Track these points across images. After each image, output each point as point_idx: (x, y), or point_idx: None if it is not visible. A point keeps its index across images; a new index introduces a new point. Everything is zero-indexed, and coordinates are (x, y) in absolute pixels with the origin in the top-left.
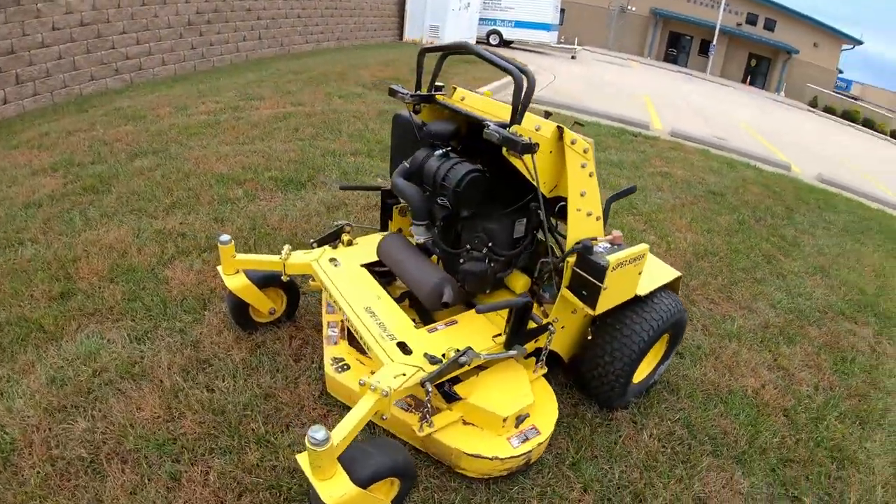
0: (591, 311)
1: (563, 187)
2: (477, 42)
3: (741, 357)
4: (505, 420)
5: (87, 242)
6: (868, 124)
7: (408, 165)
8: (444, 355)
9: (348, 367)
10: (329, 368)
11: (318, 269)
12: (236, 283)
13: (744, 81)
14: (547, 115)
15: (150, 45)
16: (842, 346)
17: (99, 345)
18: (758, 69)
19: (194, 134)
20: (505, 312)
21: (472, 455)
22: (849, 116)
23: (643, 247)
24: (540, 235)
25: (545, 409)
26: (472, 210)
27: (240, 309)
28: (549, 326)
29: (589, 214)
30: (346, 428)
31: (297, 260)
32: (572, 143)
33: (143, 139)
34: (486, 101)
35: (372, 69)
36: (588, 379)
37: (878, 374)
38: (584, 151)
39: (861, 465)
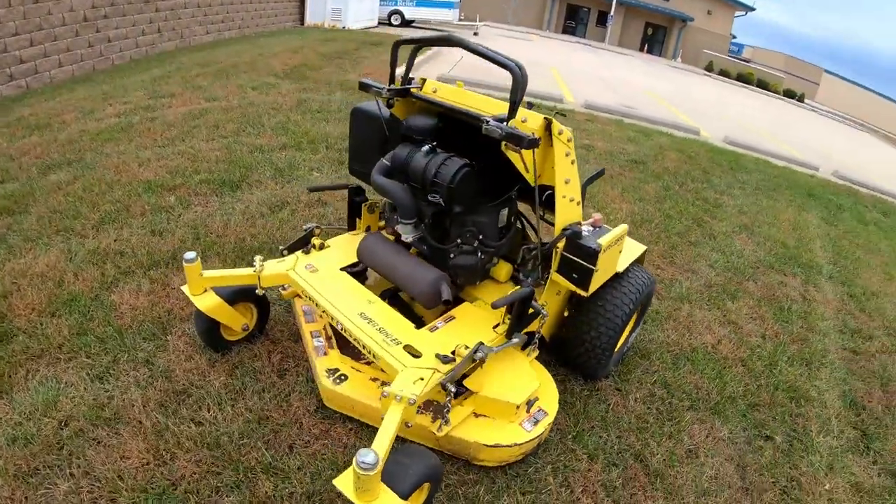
0: (583, 293)
1: (547, 176)
2: (380, 23)
3: (695, 317)
4: (518, 407)
5: (15, 273)
6: (762, 85)
7: (388, 163)
8: (453, 353)
9: (346, 377)
10: (325, 381)
11: (297, 277)
12: (207, 302)
13: (641, 50)
14: (530, 105)
15: (45, 46)
16: (777, 298)
17: (57, 390)
18: (654, 37)
19: (108, 139)
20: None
21: (491, 446)
22: (743, 79)
23: (623, 227)
24: (519, 224)
25: (547, 390)
26: (465, 205)
27: (210, 329)
28: (543, 311)
29: (571, 200)
30: (384, 445)
31: (271, 271)
32: (559, 133)
33: (54, 150)
34: (461, 93)
35: (281, 57)
36: (575, 355)
37: (812, 318)
38: (568, 141)
39: (815, 402)
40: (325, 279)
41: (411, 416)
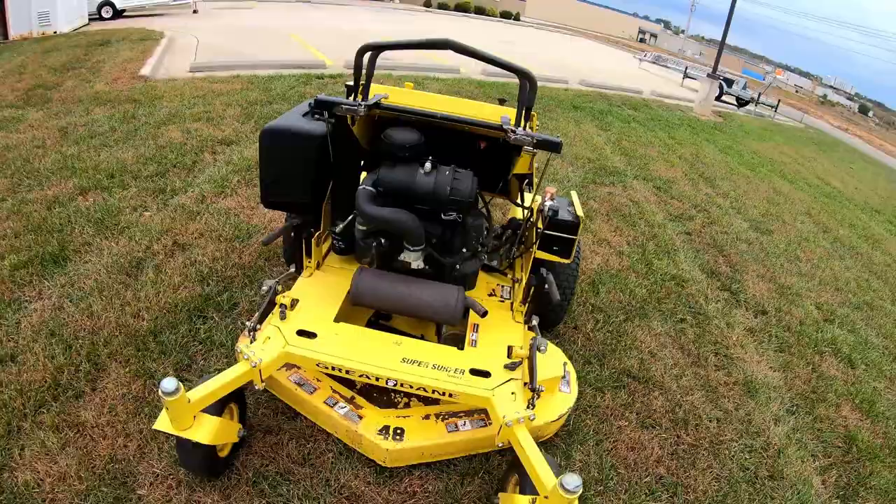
0: (566, 261)
1: (520, 166)
2: (91, 19)
3: (584, 244)
4: (559, 378)
5: None
6: (480, 11)
7: (373, 189)
8: (510, 356)
9: (402, 430)
10: (384, 443)
11: (305, 352)
12: (205, 430)
13: None
14: (501, 101)
15: None
16: (617, 208)
17: None
18: None
19: None
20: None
21: (557, 419)
22: (461, 8)
23: (575, 194)
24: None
25: (555, 353)
26: (472, 214)
27: (208, 457)
28: (556, 294)
29: (532, 181)
30: (545, 466)
31: (268, 357)
32: (535, 122)
33: None
34: (434, 98)
35: (7, 83)
36: (549, 310)
37: (648, 216)
38: (535, 128)
39: (689, 280)
40: (333, 341)
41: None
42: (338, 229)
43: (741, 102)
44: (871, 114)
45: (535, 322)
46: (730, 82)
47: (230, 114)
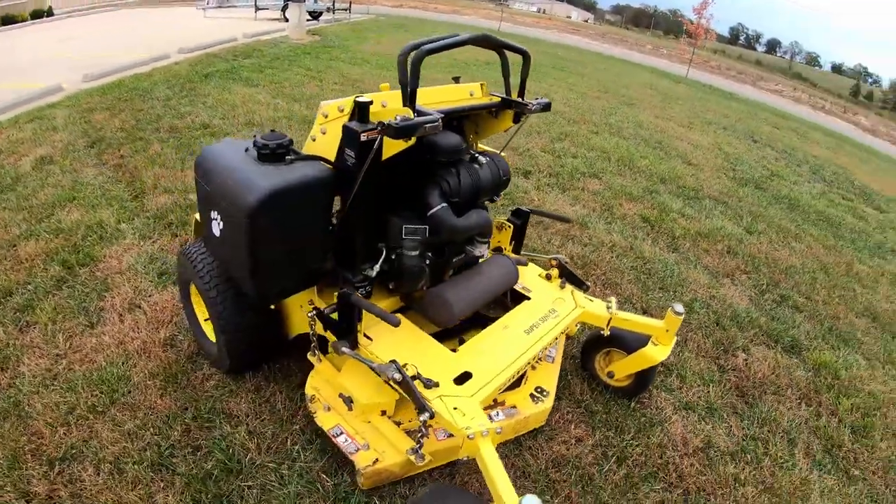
0: None
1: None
2: None
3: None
4: None
5: None
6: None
7: (445, 202)
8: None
9: (425, 436)
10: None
11: (487, 390)
12: None
13: None
14: (456, 79)
15: None
16: None
17: None
18: None
19: None
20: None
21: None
22: None
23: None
24: None
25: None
26: None
27: None
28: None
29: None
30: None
31: (483, 418)
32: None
33: None
34: (438, 91)
35: None
36: None
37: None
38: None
39: (672, 212)
40: (481, 363)
41: None
42: (374, 272)
43: (315, 15)
44: None
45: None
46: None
47: None
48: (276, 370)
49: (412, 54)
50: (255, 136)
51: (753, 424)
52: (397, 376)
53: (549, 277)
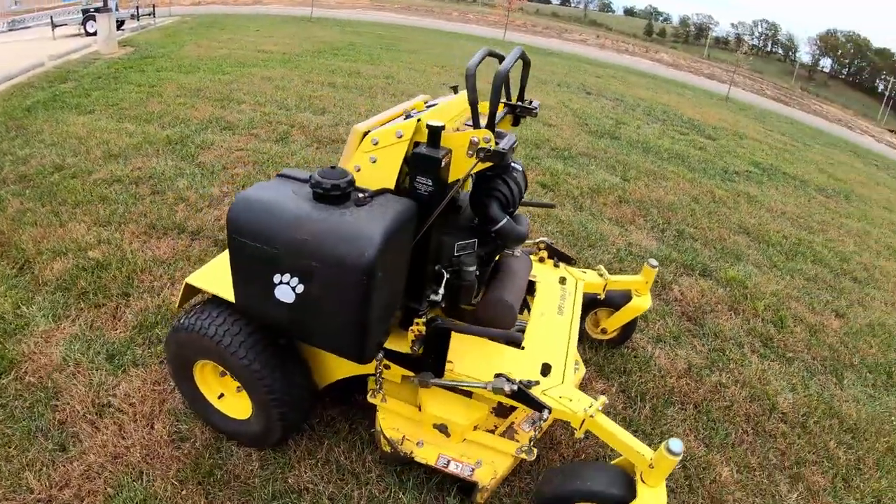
0: None
1: None
2: None
3: None
4: None
5: None
6: None
7: (502, 207)
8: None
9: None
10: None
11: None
12: None
13: None
14: (454, 89)
15: None
16: None
17: None
18: None
19: None
20: None
21: None
22: None
23: None
24: None
25: None
26: None
27: None
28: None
29: None
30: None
31: (581, 396)
32: None
33: None
34: (451, 106)
35: None
36: None
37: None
38: None
39: (560, 174)
40: (550, 349)
41: None
42: (440, 296)
43: (119, 24)
44: None
45: None
46: (99, 10)
47: None
48: (311, 426)
49: (495, 78)
50: (310, 176)
51: (709, 340)
52: (514, 388)
53: (542, 260)
